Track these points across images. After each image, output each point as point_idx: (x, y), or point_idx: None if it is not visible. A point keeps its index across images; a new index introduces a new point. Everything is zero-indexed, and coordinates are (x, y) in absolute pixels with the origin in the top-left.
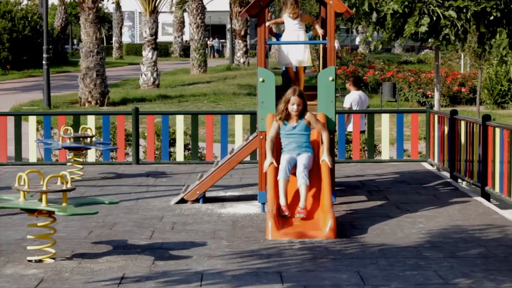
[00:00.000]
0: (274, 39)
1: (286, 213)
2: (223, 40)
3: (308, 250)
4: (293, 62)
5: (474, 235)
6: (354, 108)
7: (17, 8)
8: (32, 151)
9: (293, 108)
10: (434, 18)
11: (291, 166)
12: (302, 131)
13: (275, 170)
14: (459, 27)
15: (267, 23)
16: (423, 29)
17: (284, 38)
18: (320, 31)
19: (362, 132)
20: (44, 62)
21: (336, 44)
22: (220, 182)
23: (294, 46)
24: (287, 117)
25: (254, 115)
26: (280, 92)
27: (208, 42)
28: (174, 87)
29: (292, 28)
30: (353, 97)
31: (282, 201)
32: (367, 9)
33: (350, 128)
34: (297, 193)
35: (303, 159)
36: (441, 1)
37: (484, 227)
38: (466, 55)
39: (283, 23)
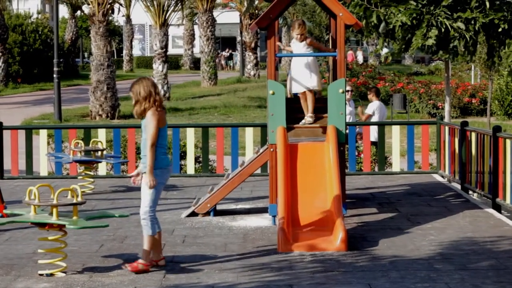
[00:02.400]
0: (284, 51)
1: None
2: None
3: (319, 262)
4: (303, 89)
5: (485, 247)
6: (377, 115)
7: (27, 21)
8: (43, 165)
9: None
10: (443, 30)
11: None
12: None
13: (286, 181)
14: (468, 39)
15: (279, 44)
16: (431, 42)
17: (292, 62)
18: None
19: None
20: (54, 75)
21: (360, 56)
22: (231, 195)
23: (303, 73)
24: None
25: (265, 128)
26: (290, 104)
27: (224, 53)
28: (184, 100)
29: (300, 52)
30: (376, 105)
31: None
32: (375, 21)
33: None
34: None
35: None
36: (450, 13)
37: (495, 239)
38: (477, 66)
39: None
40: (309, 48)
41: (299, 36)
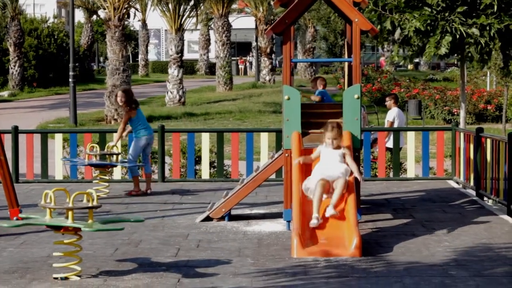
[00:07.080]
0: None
1: None
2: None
3: (333, 268)
4: (331, 178)
5: (500, 254)
6: (396, 122)
7: (43, 25)
8: (58, 169)
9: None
10: (457, 36)
11: None
12: None
13: (301, 186)
14: (483, 45)
15: (300, 160)
16: (443, 50)
17: (318, 166)
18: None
19: (400, 148)
20: (70, 79)
21: (383, 61)
22: (246, 200)
23: (331, 165)
24: None
25: (280, 133)
26: (305, 109)
27: (248, 58)
28: (199, 105)
29: (330, 159)
30: (396, 112)
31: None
32: (389, 27)
33: (389, 144)
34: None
35: None
36: (464, 19)
37: (510, 245)
38: (492, 73)
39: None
40: (341, 157)
41: (331, 140)
